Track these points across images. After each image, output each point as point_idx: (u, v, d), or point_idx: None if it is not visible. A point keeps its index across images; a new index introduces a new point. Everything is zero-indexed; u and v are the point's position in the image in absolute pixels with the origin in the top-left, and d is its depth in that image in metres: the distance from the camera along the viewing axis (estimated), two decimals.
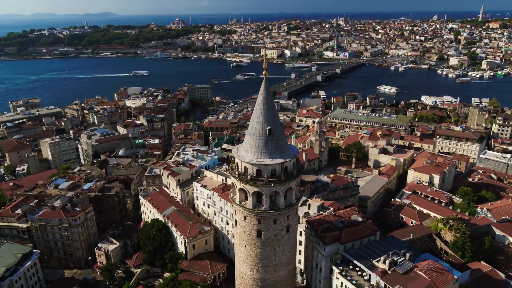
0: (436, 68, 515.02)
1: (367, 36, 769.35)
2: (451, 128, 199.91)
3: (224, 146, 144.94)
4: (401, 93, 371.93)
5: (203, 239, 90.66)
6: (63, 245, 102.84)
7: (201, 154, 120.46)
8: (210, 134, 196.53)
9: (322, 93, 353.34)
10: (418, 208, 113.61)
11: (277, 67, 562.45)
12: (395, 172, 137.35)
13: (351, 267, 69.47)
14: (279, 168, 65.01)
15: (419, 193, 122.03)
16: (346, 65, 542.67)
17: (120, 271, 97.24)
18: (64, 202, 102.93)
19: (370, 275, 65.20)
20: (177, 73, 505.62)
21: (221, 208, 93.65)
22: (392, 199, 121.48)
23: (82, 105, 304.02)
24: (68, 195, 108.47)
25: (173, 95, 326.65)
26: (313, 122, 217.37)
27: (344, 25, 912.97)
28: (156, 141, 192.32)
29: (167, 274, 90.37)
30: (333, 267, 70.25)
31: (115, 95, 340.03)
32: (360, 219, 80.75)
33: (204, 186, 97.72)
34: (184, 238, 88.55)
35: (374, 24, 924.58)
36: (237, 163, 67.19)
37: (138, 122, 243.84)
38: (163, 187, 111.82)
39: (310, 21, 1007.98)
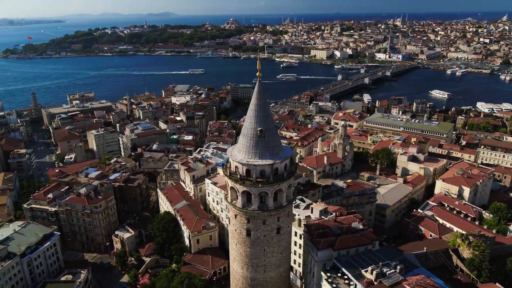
0: (499, 73, 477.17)
1: (425, 38, 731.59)
2: (503, 138, 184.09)
3: None
4: (454, 98, 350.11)
5: (208, 234, 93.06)
6: (85, 230, 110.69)
7: (220, 151, 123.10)
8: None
9: (367, 96, 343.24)
10: (440, 221, 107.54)
11: (325, 68, 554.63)
12: (422, 181, 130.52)
13: (339, 274, 67.87)
14: (269, 169, 65.27)
15: (446, 205, 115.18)
16: (398, 67, 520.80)
17: (132, 259, 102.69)
18: (89, 190, 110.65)
19: (356, 285, 63.35)
20: (227, 72, 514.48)
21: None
22: (414, 210, 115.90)
23: (132, 100, 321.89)
24: (94, 184, 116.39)
25: (216, 94, 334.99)
26: (349, 125, 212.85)
27: (401, 26, 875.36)
28: (190, 137, 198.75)
29: (174, 266, 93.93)
30: (322, 273, 68.99)
31: (163, 92, 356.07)
32: (361, 226, 78.37)
33: (214, 183, 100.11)
34: (189, 232, 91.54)
35: (434, 25, 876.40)
36: (230, 162, 68.46)
37: (178, 118, 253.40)
38: (180, 182, 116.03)
39: (365, 22, 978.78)
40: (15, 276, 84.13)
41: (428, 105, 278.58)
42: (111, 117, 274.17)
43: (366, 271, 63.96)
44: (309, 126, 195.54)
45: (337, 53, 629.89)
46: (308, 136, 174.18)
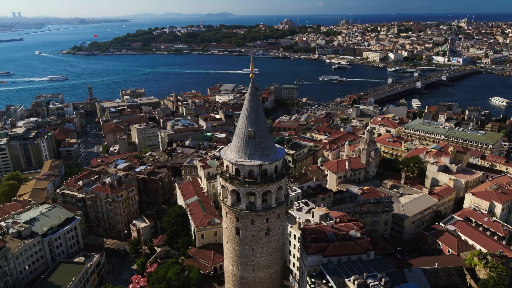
0: None
1: (492, 40, 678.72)
2: None
3: None
4: None
5: (213, 230, 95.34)
6: (108, 217, 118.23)
7: None
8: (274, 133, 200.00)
9: (416, 101, 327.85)
10: (463, 237, 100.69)
11: (376, 71, 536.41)
12: (451, 194, 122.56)
13: (324, 281, 66.61)
14: (257, 169, 65.77)
15: (473, 221, 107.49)
16: (456, 71, 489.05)
17: (146, 248, 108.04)
18: (113, 180, 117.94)
19: None
20: (277, 72, 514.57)
21: None
22: (436, 223, 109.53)
23: (178, 97, 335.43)
24: (119, 175, 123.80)
25: (259, 94, 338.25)
26: (386, 131, 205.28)
27: (466, 28, 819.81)
28: (223, 135, 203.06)
29: (181, 258, 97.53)
30: (307, 278, 68.19)
31: (208, 90, 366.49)
32: (358, 235, 76.01)
33: None
34: (194, 226, 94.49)
35: (504, 26, 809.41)
36: (223, 160, 70.00)
37: (217, 116, 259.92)
38: (197, 178, 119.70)
39: (426, 23, 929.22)
40: (36, 254, 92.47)
41: (482, 113, 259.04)
42: (156, 112, 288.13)
43: (349, 281, 62.25)
44: (341, 129, 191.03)
45: (391, 55, 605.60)
46: (338, 139, 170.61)
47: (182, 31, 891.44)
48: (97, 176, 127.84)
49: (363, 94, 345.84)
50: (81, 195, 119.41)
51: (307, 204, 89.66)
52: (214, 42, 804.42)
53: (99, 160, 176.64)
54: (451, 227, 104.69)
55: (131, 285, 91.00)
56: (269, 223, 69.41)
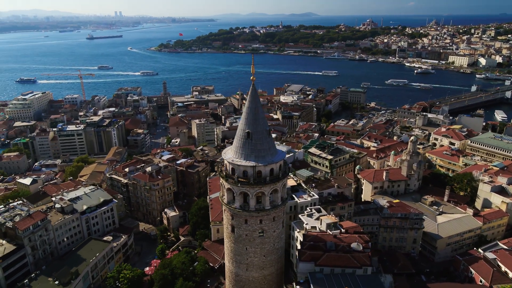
0: None
1: None
2: None
3: (313, 150, 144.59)
4: None
5: None
6: (145, 203, 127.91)
7: None
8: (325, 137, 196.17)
9: (501, 113, 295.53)
10: (502, 267, 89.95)
11: (462, 77, 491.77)
12: (501, 218, 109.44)
13: None
14: (251, 171, 66.73)
15: None
16: None
17: (172, 235, 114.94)
18: (153, 169, 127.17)
19: None
20: (353, 75, 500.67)
21: None
22: (475, 248, 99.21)
23: (244, 96, 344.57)
24: (159, 165, 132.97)
25: (323, 96, 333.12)
26: (450, 143, 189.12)
27: None
28: (274, 135, 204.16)
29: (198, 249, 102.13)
30: (293, 284, 67.37)
31: (274, 90, 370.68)
32: (360, 248, 72.66)
33: None
34: (211, 220, 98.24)
35: None
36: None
37: (275, 116, 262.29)
38: None
39: None
40: (74, 228, 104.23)
41: None
42: (220, 109, 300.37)
43: None
44: (395, 138, 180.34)
45: (482, 61, 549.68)
46: (388, 148, 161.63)
47: (261, 31, 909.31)
48: (143, 164, 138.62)
49: (437, 102, 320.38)
50: (125, 181, 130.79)
51: (319, 211, 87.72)
52: (291, 42, 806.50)
53: (158, 151, 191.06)
54: (490, 255, 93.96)
55: (148, 268, 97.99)
56: (263, 224, 69.91)
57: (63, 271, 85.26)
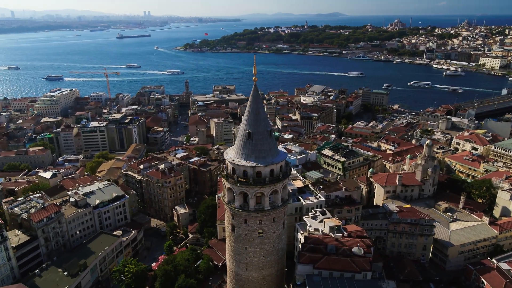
0: None
1: None
2: None
3: (327, 151, 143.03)
4: None
5: None
6: (157, 200, 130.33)
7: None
8: (342, 138, 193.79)
9: None
10: None
11: (493, 80, 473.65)
12: None
13: None
14: (251, 171, 66.90)
15: None
16: None
17: (181, 232, 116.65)
18: (166, 167, 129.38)
19: None
20: (378, 76, 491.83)
21: None
22: (488, 258, 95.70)
23: (265, 96, 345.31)
24: (172, 163, 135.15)
25: (345, 97, 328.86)
26: (473, 148, 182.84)
27: None
28: (290, 136, 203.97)
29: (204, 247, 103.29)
30: (291, 286, 67.09)
31: (296, 90, 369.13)
32: (361, 252, 71.51)
33: None
34: (217, 219, 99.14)
35: None
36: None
37: (293, 117, 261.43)
38: None
39: None
40: (86, 222, 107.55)
41: None
42: (239, 109, 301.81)
43: None
44: (413, 141, 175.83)
45: None
46: (405, 152, 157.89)
47: (286, 31, 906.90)
48: (157, 162, 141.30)
49: (463, 105, 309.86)
50: (139, 177, 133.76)
51: (324, 213, 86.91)
52: (316, 42, 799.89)
53: (173, 149, 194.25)
54: (504, 265, 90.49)
55: (155, 263, 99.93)
56: (263, 225, 69.93)
57: (72, 263, 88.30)
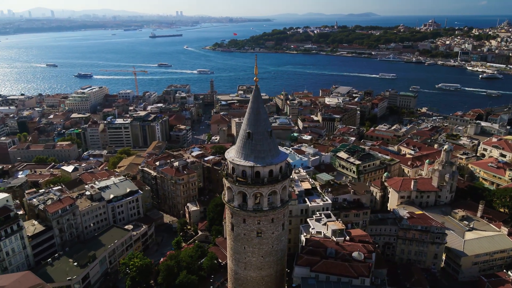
0: None
1: None
2: None
3: (342, 154, 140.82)
4: None
5: None
6: (171, 197, 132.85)
7: (295, 153, 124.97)
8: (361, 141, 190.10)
9: None
10: None
11: None
12: None
13: None
14: (250, 171, 67.03)
15: None
16: None
17: (191, 229, 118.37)
18: (180, 164, 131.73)
19: None
20: (407, 78, 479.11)
21: None
22: (504, 270, 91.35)
23: (289, 96, 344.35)
24: (187, 160, 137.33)
25: (370, 99, 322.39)
26: (501, 154, 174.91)
27: None
28: (309, 137, 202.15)
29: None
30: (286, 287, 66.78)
31: (320, 91, 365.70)
32: (361, 257, 70.08)
33: None
34: (224, 217, 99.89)
35: None
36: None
37: (315, 118, 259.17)
38: None
39: None
40: (100, 215, 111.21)
41: None
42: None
43: None
44: (435, 146, 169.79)
45: None
46: (425, 156, 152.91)
47: (315, 31, 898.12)
48: (172, 159, 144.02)
49: (495, 110, 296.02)
50: (154, 174, 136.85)
51: (328, 216, 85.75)
52: (346, 43, 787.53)
53: (195, 147, 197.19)
54: None
55: (162, 258, 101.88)
56: (261, 225, 69.89)
57: (82, 254, 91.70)
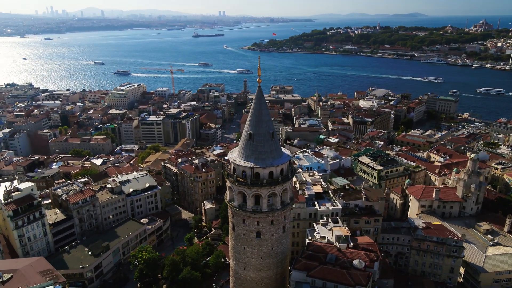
0: None
1: None
2: None
3: (364, 158, 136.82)
4: None
5: None
6: (190, 193, 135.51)
7: (313, 155, 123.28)
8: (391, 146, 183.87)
9: None
10: None
11: None
12: None
13: None
14: (249, 172, 67.19)
15: None
16: None
17: (206, 226, 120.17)
18: (200, 162, 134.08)
19: None
20: (455, 81, 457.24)
21: None
22: None
23: (322, 97, 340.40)
24: (208, 159, 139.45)
25: (407, 103, 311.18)
26: None
27: None
28: (335, 140, 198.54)
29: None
30: None
31: (355, 93, 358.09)
32: (362, 266, 67.98)
33: None
34: None
35: None
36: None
37: (346, 121, 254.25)
38: None
39: None
40: (119, 208, 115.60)
41: None
42: (293, 110, 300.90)
43: None
44: (468, 154, 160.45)
45: None
46: (455, 164, 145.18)
47: (356, 32, 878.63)
48: (194, 157, 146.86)
49: None
50: (175, 170, 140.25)
51: (336, 221, 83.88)
52: (388, 44, 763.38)
53: (223, 145, 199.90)
54: None
55: (173, 253, 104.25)
56: (260, 226, 69.81)
57: (97, 244, 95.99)
